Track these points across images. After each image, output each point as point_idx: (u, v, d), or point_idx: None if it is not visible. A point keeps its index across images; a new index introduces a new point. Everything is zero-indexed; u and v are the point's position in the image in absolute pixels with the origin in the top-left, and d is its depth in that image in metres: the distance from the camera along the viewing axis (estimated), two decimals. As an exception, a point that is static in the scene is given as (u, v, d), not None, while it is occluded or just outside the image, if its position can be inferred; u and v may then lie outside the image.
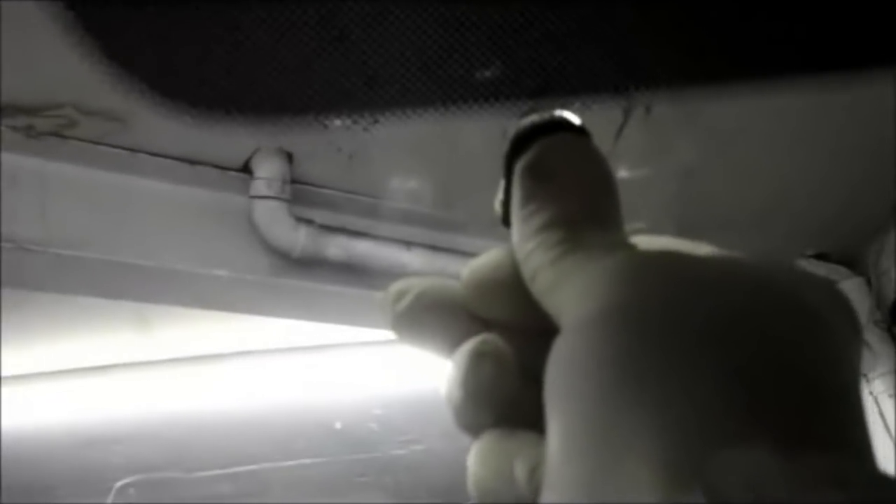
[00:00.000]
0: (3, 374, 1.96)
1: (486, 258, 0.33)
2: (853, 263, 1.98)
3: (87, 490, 2.12)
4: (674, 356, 0.25)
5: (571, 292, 0.28)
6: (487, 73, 0.28)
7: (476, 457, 0.31)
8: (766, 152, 1.66)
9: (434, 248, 1.61)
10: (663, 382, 0.24)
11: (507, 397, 0.31)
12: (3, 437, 1.93)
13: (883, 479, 0.23)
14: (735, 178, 1.70)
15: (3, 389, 1.96)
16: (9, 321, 1.72)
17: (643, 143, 1.39)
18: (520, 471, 0.29)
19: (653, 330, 0.26)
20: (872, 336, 1.92)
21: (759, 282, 0.27)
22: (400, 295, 0.34)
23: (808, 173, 1.73)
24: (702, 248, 0.31)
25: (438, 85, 0.27)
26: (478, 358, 0.31)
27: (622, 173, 1.32)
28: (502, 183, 0.32)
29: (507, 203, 0.32)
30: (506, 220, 0.32)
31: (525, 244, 0.31)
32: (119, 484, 2.12)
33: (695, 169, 1.55)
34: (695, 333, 0.25)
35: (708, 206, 1.69)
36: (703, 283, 0.27)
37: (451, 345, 0.33)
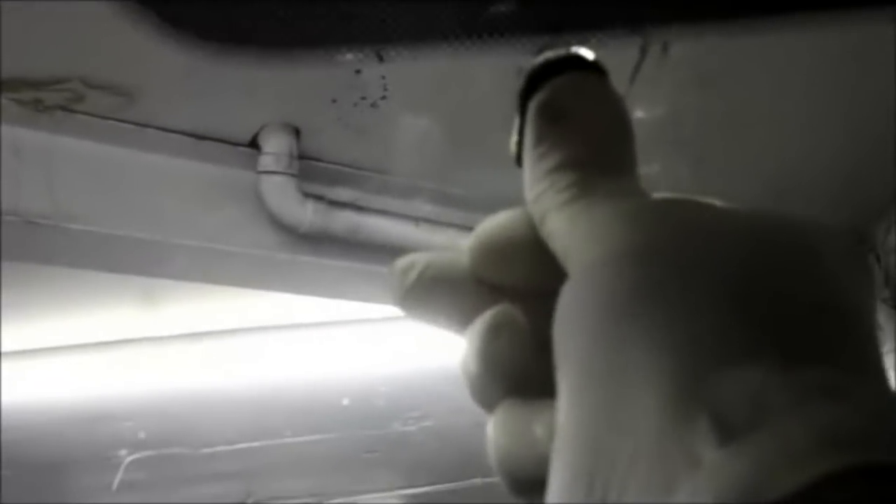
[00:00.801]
0: (10, 348, 1.97)
1: (496, 219, 0.32)
2: (861, 240, 1.97)
3: (95, 466, 2.13)
4: (678, 288, 0.25)
5: (578, 236, 0.28)
6: (502, 8, 0.27)
7: (495, 427, 0.31)
8: (772, 131, 1.65)
9: (442, 223, 1.60)
10: (665, 315, 0.25)
11: (523, 369, 0.31)
12: (10, 413, 1.94)
13: (887, 393, 0.23)
14: (740, 156, 1.69)
15: (11, 364, 1.96)
16: (16, 296, 1.73)
17: (660, 84, 1.37)
18: (540, 432, 0.29)
19: (656, 269, 0.26)
20: (881, 314, 1.91)
21: (766, 225, 0.28)
22: (406, 270, 0.33)
23: (816, 150, 1.72)
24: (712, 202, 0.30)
25: (453, 18, 0.27)
26: (494, 331, 0.31)
27: (638, 114, 1.31)
28: (516, 122, 0.32)
29: (521, 143, 0.32)
30: (519, 160, 0.32)
31: (535, 185, 0.31)
32: (128, 460, 2.13)
33: (707, 145, 1.55)
34: (697, 269, 0.26)
35: (712, 187, 1.68)
36: (707, 225, 0.27)
37: (461, 319, 0.32)
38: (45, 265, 1.56)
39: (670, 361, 0.24)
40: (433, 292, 0.33)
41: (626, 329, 0.25)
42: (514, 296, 0.32)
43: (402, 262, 0.34)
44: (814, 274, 0.26)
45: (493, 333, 0.30)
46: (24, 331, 1.96)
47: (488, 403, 0.31)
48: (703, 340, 0.24)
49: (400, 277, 0.33)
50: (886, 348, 1.90)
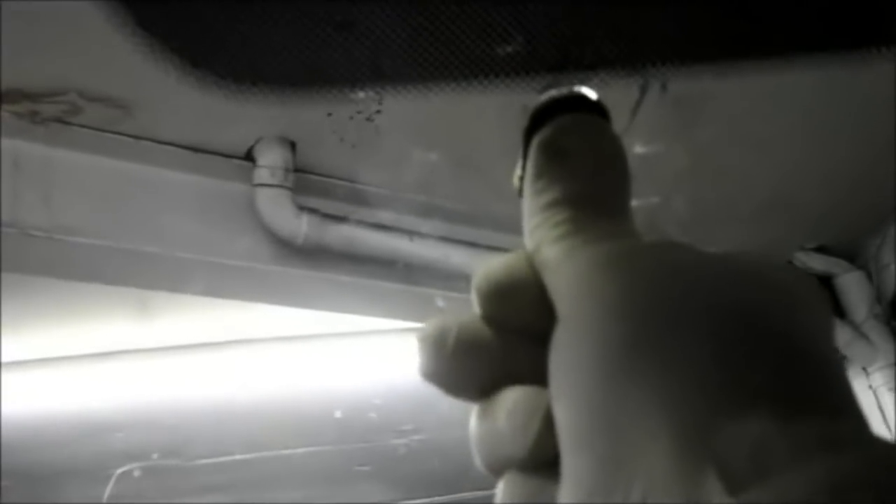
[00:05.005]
0: (4, 359, 1.96)
1: (501, 261, 0.32)
2: (854, 257, 1.98)
3: (87, 477, 2.12)
4: (670, 339, 0.26)
5: (569, 274, 0.29)
6: (508, 49, 0.28)
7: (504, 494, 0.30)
8: (769, 142, 1.66)
9: (436, 236, 1.61)
10: (664, 365, 0.25)
11: (554, 448, 0.29)
12: (3, 424, 1.94)
13: (877, 440, 0.24)
14: (737, 170, 1.70)
15: (4, 375, 1.96)
16: (10, 307, 1.73)
17: (658, 121, 1.39)
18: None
19: (649, 316, 0.27)
20: (872, 330, 1.92)
21: (744, 270, 0.29)
22: (441, 338, 0.31)
23: (809, 166, 1.73)
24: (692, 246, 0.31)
25: (459, 60, 0.28)
26: (529, 418, 0.29)
27: (637, 149, 1.33)
28: (520, 157, 0.33)
29: (523, 177, 0.33)
30: (521, 192, 0.33)
31: (532, 218, 0.32)
32: (119, 471, 2.12)
33: (703, 154, 1.56)
34: (688, 317, 0.26)
35: (709, 197, 1.69)
36: (692, 270, 0.28)
37: (487, 385, 0.31)
38: (41, 277, 1.55)
39: (672, 413, 0.24)
40: (467, 360, 0.31)
41: (622, 384, 0.26)
42: (528, 338, 0.31)
43: (430, 330, 0.32)
44: (793, 319, 0.27)
45: (529, 421, 0.29)
46: (18, 342, 1.95)
47: (499, 471, 0.31)
48: (699, 394, 0.25)
49: (435, 347, 0.32)
50: (880, 364, 1.91)
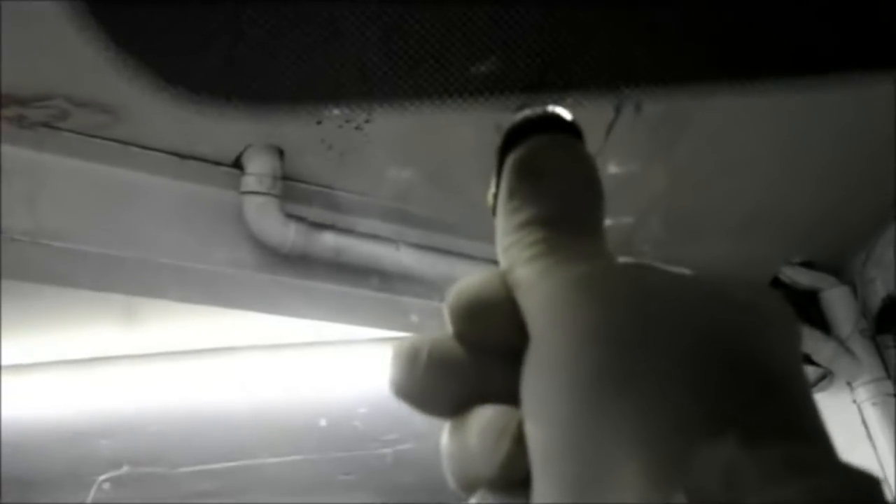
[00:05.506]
0: (-12, 365, 1.95)
1: (473, 280, 0.32)
2: (839, 272, 1.99)
3: (71, 484, 2.12)
4: (641, 363, 0.26)
5: (541, 295, 0.29)
6: (483, 68, 0.28)
7: None
8: (752, 159, 1.67)
9: (422, 246, 1.61)
10: (635, 389, 0.26)
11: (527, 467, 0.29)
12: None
13: (841, 463, 0.24)
14: (721, 186, 1.70)
15: (-12, 380, 1.95)
16: (-5, 312, 1.72)
17: (633, 141, 1.39)
18: None
19: (621, 339, 0.27)
20: (857, 344, 1.93)
21: (714, 292, 0.29)
22: (413, 356, 0.31)
23: (794, 181, 1.74)
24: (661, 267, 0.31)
25: (435, 78, 0.28)
26: (500, 435, 0.29)
27: (612, 169, 1.33)
28: (494, 176, 0.33)
29: (497, 195, 0.33)
30: (495, 210, 0.33)
31: (505, 237, 0.32)
32: (102, 478, 2.12)
33: (682, 171, 1.57)
34: (659, 341, 0.27)
35: (693, 213, 1.69)
36: (663, 293, 0.28)
37: (459, 403, 0.31)
38: (26, 282, 1.55)
39: (643, 440, 0.25)
40: (439, 378, 0.31)
41: (594, 407, 0.26)
42: (500, 356, 0.31)
43: (403, 347, 0.32)
44: (762, 340, 0.27)
45: (500, 440, 0.29)
46: (2, 347, 1.95)
47: (470, 490, 0.31)
48: (671, 419, 0.25)
49: (407, 364, 0.32)
50: (864, 379, 1.91)
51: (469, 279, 0.32)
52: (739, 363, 0.26)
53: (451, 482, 0.31)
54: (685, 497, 0.23)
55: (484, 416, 0.30)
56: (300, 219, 1.52)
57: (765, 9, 0.30)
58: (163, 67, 0.25)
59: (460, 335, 0.32)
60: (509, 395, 0.29)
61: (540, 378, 0.28)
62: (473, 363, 0.31)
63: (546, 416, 0.27)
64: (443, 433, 0.32)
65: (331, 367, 2.12)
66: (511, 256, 0.31)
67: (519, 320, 0.30)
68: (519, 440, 0.28)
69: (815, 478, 0.23)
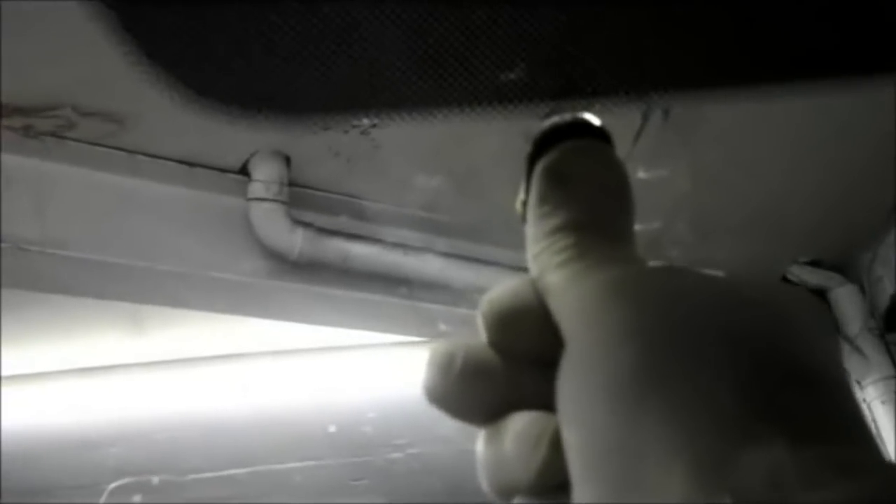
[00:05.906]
0: (-4, 375, 1.95)
1: (506, 288, 0.32)
2: (847, 270, 1.99)
3: (80, 492, 2.11)
4: (678, 366, 0.26)
5: (573, 300, 0.29)
6: (511, 75, 0.28)
7: None
8: (759, 158, 1.67)
9: (431, 252, 1.61)
10: (674, 392, 0.25)
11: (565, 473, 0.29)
12: (-5, 439, 1.93)
13: (884, 461, 0.24)
14: (728, 186, 1.70)
15: (-3, 390, 1.95)
16: (2, 321, 1.72)
17: (659, 144, 1.40)
18: None
19: (656, 342, 0.27)
20: (866, 343, 1.93)
21: (748, 294, 0.29)
22: (448, 362, 0.31)
23: (802, 180, 1.74)
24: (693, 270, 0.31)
25: (463, 87, 0.28)
26: (537, 442, 0.29)
27: (640, 174, 1.34)
28: (523, 182, 0.33)
29: (526, 202, 0.33)
30: (524, 217, 0.33)
31: (536, 244, 0.32)
32: (112, 486, 2.11)
33: (699, 173, 1.57)
34: (696, 343, 0.26)
35: (706, 211, 1.69)
36: (697, 295, 0.28)
37: (494, 410, 0.31)
38: (34, 291, 1.55)
39: (685, 444, 0.24)
40: (474, 385, 0.31)
41: (633, 410, 0.26)
42: (530, 364, 0.31)
43: (438, 353, 0.32)
44: (801, 342, 0.27)
45: (536, 445, 0.29)
46: (10, 356, 1.95)
47: (507, 497, 0.31)
48: (713, 422, 0.25)
49: (441, 371, 0.31)
50: (873, 377, 1.91)
51: (501, 287, 0.32)
52: (776, 363, 0.26)
53: (487, 489, 0.31)
54: (730, 498, 0.23)
55: (520, 423, 0.30)
56: (307, 225, 1.52)
57: (782, 12, 0.30)
58: (194, 80, 0.25)
59: (494, 343, 0.32)
60: (543, 402, 0.29)
61: (575, 381, 0.28)
62: (507, 370, 0.31)
63: (583, 420, 0.27)
64: (477, 441, 0.31)
65: (340, 372, 2.12)
66: (542, 262, 0.31)
67: (552, 327, 0.30)
68: (556, 446, 0.28)
69: (859, 478, 0.23)
